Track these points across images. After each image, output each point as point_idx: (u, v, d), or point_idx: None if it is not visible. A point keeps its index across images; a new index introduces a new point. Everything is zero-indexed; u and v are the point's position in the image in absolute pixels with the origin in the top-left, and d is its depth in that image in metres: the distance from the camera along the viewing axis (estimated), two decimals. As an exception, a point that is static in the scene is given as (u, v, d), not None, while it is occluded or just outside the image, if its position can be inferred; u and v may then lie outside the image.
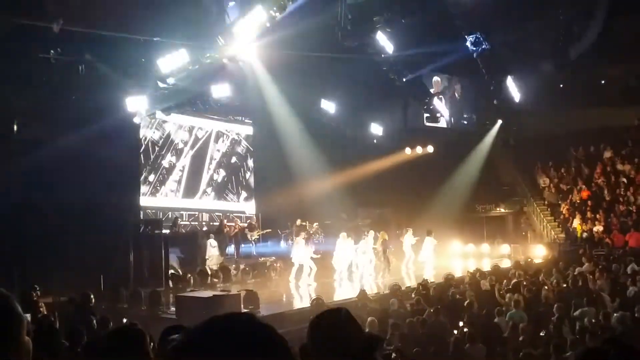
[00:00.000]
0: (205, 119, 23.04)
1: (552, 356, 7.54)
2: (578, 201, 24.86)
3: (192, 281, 16.47)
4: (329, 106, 20.65)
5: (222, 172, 23.99)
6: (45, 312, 9.50)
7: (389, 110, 23.49)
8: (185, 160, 22.75)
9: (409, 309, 11.54)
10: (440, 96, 21.63)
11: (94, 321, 8.45)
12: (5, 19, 12.12)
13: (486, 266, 17.86)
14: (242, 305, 11.80)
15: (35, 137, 14.87)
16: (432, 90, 21.50)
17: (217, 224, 21.63)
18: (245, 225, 22.53)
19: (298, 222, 21.69)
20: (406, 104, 23.18)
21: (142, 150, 21.03)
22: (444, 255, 21.59)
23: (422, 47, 18.41)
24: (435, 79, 21.90)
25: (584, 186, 25.29)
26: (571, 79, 24.02)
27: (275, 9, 11.92)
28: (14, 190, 14.50)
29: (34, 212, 14.76)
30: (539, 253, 21.92)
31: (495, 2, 17.51)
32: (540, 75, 23.25)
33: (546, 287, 12.85)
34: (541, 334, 9.59)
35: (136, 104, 16.17)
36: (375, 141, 23.79)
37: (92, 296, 9.85)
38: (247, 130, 24.86)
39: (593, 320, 9.59)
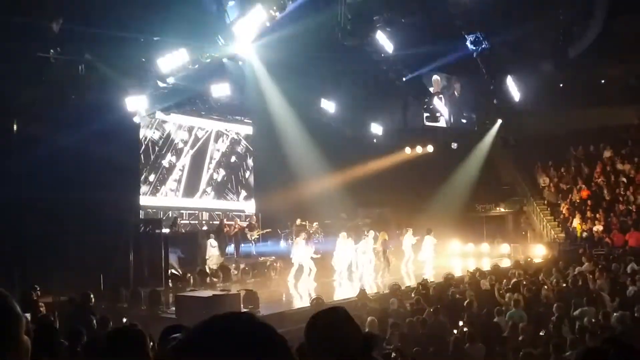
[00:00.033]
0: (205, 119, 23.09)
1: (552, 356, 7.54)
2: (578, 201, 24.88)
3: (191, 281, 16.48)
4: (328, 106, 20.65)
5: (222, 172, 24.03)
6: (45, 312, 9.50)
7: (388, 110, 23.48)
8: (185, 160, 22.79)
9: (408, 309, 11.55)
10: (440, 95, 21.61)
11: (94, 321, 8.45)
12: (5, 18, 12.11)
13: (486, 266, 17.86)
14: (241, 305, 11.81)
15: (35, 137, 14.86)
16: (431, 90, 21.48)
17: (217, 222, 21.67)
18: (245, 224, 22.56)
19: (298, 221, 21.71)
20: (406, 104, 23.15)
21: (142, 150, 21.09)
22: (443, 255, 21.62)
23: (422, 46, 18.39)
24: (435, 77, 21.87)
25: (583, 186, 25.30)
26: (571, 79, 24.03)
27: (275, 8, 11.92)
28: (14, 189, 14.48)
29: (34, 212, 14.75)
30: (538, 252, 21.93)
31: (495, 2, 17.50)
32: (540, 75, 23.24)
33: (546, 287, 12.86)
34: (541, 333, 9.60)
35: (136, 104, 16.17)
36: (375, 141, 23.79)
37: (92, 296, 9.84)
38: (246, 129, 24.90)
39: (593, 320, 9.59)
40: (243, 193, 24.62)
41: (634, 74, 25.11)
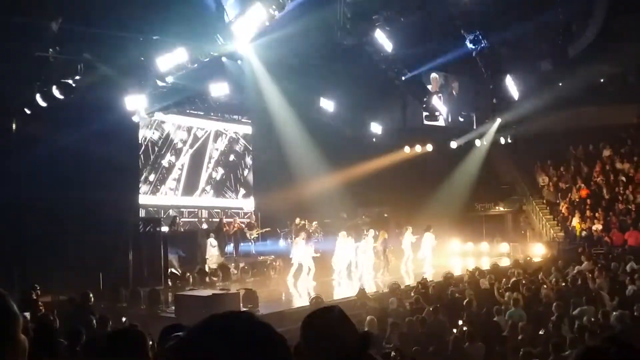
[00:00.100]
0: (204, 120, 23.14)
1: (551, 355, 7.54)
2: (577, 200, 24.89)
3: (191, 280, 16.48)
4: (327, 105, 20.63)
5: (221, 170, 24.07)
6: (44, 312, 9.50)
7: (388, 109, 23.46)
8: (185, 159, 22.83)
9: (408, 308, 11.56)
10: (439, 94, 21.60)
11: (94, 320, 8.45)
12: (4, 18, 12.10)
13: (485, 265, 17.86)
14: (241, 304, 11.83)
15: (34, 136, 14.86)
16: (429, 87, 21.47)
17: (216, 220, 21.70)
18: (245, 223, 22.58)
19: (297, 220, 21.71)
20: (405, 103, 23.13)
21: (142, 151, 21.16)
22: (443, 254, 21.63)
23: (421, 45, 18.40)
24: (433, 75, 21.86)
25: (583, 185, 25.31)
26: (570, 78, 24.02)
27: (274, 7, 11.89)
28: (14, 189, 14.48)
29: (33, 212, 14.77)
30: (538, 252, 21.94)
31: (494, 1, 17.51)
32: (540, 74, 23.25)
33: (545, 286, 12.87)
34: (540, 332, 9.60)
35: (135, 103, 16.16)
36: (374, 140, 23.79)
37: (91, 295, 9.85)
38: (245, 128, 24.94)
39: (592, 319, 9.60)
40: (242, 191, 24.67)
41: (633, 72, 25.11)
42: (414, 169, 24.64)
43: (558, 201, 25.55)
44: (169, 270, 16.69)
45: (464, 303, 11.35)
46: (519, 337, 9.09)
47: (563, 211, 24.72)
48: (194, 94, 16.69)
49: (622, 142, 26.28)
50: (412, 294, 12.60)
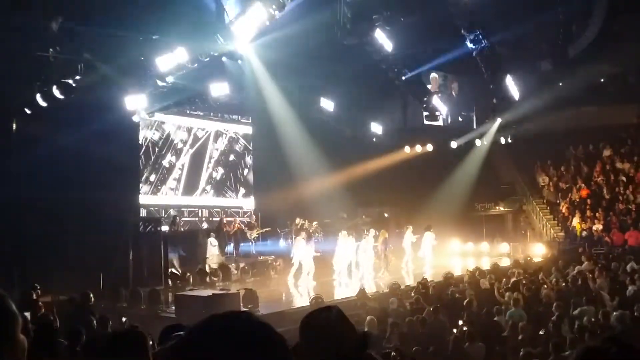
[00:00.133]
0: (204, 120, 23.16)
1: (551, 355, 7.54)
2: (577, 200, 24.89)
3: (191, 280, 16.48)
4: (328, 105, 20.63)
5: (221, 170, 24.10)
6: (44, 312, 9.49)
7: (388, 109, 23.47)
8: (185, 159, 22.87)
9: (408, 308, 11.56)
10: (439, 94, 21.59)
11: (94, 320, 8.45)
12: (4, 17, 12.10)
13: (486, 265, 17.86)
14: (241, 304, 11.82)
15: (34, 136, 14.86)
16: (429, 87, 21.46)
17: (217, 220, 21.72)
18: (245, 223, 22.59)
19: (297, 220, 21.72)
20: (405, 103, 23.13)
21: (142, 151, 21.21)
22: (443, 254, 21.63)
23: (422, 45, 18.39)
24: (433, 75, 21.88)
25: (583, 185, 25.31)
26: (570, 78, 24.03)
27: (274, 7, 11.88)
28: (14, 189, 14.49)
29: (33, 212, 14.77)
30: (538, 252, 21.94)
31: (494, 1, 17.49)
32: (540, 74, 23.23)
33: (545, 286, 12.85)
34: (540, 332, 9.60)
35: (135, 103, 16.18)
36: (374, 140, 23.79)
37: (91, 295, 9.84)
38: (245, 128, 24.97)
39: (592, 319, 9.59)
40: (242, 191, 24.70)
41: (633, 72, 25.11)
42: (414, 169, 24.63)
43: (558, 201, 25.56)
44: (169, 270, 16.69)
45: (464, 303, 11.34)
46: (519, 337, 9.08)
47: (563, 211, 24.72)
48: (194, 93, 16.69)
49: (622, 142, 26.28)
50: (412, 294, 12.59)
